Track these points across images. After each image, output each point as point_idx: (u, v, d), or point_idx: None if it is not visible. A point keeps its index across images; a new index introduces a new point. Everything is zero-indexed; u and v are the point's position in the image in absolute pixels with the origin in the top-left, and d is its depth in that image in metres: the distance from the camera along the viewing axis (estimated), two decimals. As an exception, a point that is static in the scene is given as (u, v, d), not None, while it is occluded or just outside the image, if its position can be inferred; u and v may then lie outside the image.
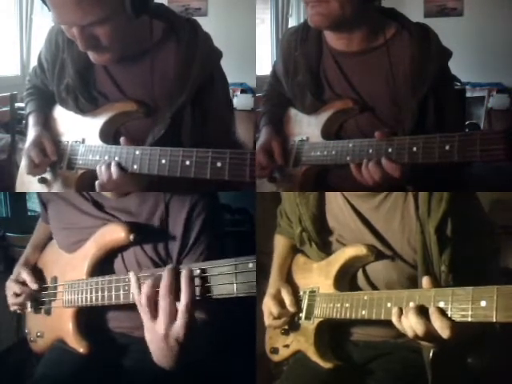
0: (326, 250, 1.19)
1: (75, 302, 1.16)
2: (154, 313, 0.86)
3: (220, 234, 1.22)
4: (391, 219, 1.08)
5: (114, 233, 1.11)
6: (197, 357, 1.13)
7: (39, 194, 1.31)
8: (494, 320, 0.72)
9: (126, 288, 1.02)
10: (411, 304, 0.87)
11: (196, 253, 1.14)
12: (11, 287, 1.27)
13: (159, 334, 0.85)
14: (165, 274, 0.87)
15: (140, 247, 1.12)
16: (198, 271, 0.86)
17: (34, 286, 1.25)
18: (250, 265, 0.82)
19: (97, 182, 1.14)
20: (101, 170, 1.12)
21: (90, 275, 1.14)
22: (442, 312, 0.80)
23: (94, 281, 1.11)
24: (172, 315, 0.84)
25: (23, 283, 1.26)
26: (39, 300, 1.27)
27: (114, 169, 1.10)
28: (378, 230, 1.10)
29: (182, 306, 0.84)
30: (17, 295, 1.26)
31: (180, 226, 1.13)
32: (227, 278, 0.84)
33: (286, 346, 1.22)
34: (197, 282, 0.86)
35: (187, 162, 1.03)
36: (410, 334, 0.86)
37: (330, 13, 1.11)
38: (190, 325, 0.84)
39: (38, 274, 1.29)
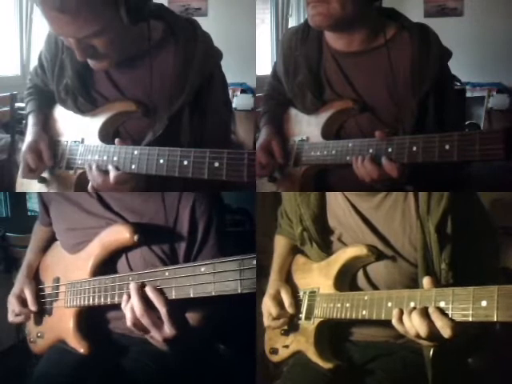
0: (326, 249, 1.18)
1: (77, 302, 1.15)
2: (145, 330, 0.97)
3: (224, 231, 1.22)
4: (392, 218, 1.08)
5: (119, 233, 1.11)
6: (196, 356, 1.14)
7: (41, 195, 1.29)
8: (495, 319, 0.72)
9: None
10: (412, 304, 0.87)
11: (205, 252, 1.14)
12: (12, 304, 1.26)
13: (159, 342, 0.97)
14: (132, 294, 0.96)
15: (147, 246, 1.12)
16: (204, 268, 0.91)
17: (34, 308, 1.24)
18: (254, 262, 0.86)
19: (90, 184, 1.14)
20: (91, 172, 1.13)
21: (94, 275, 1.14)
22: (442, 311, 0.81)
23: (97, 280, 1.11)
24: (157, 324, 0.94)
25: (24, 303, 1.25)
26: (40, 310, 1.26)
27: (111, 171, 1.10)
28: (379, 229, 1.09)
29: (162, 313, 0.94)
30: (16, 314, 1.26)
31: (185, 224, 1.12)
32: (232, 275, 0.87)
33: (286, 346, 1.22)
34: (203, 279, 0.90)
35: (185, 162, 1.02)
36: (411, 334, 0.86)
37: (330, 13, 1.11)
38: (177, 322, 0.95)
39: (39, 281, 1.29)
